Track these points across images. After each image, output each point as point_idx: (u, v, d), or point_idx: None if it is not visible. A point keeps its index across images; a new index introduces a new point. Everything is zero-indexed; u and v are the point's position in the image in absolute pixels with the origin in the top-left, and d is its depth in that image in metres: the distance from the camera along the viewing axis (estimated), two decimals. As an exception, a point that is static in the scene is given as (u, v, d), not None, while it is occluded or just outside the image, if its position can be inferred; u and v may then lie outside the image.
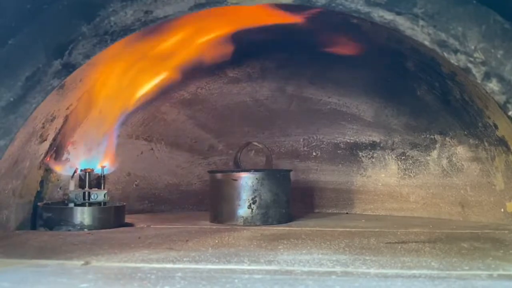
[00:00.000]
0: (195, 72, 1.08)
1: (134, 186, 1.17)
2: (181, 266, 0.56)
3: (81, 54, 0.55)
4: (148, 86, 1.05)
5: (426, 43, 0.52)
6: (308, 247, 0.67)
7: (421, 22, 0.50)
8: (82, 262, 0.58)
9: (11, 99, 0.54)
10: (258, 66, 1.12)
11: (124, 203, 0.96)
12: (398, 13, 0.51)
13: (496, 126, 0.81)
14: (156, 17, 0.54)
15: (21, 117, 0.57)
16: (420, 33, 0.51)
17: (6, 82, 0.54)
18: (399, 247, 0.68)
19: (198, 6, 0.54)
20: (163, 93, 1.11)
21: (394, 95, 1.06)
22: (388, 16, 0.51)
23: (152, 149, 1.19)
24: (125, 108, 1.03)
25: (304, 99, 1.13)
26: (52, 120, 0.88)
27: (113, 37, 0.55)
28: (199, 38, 0.95)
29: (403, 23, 0.51)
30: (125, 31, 0.55)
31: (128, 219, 0.95)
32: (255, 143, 1.06)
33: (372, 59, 0.97)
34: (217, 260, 0.59)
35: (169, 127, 1.18)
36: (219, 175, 0.96)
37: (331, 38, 0.93)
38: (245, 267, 0.56)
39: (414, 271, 0.53)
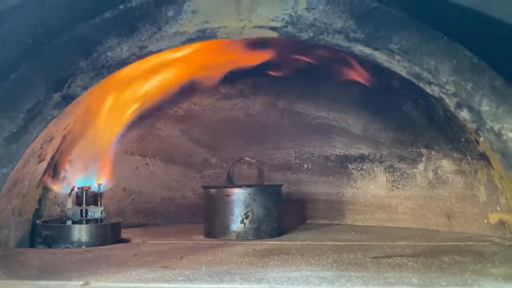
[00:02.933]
0: (188, 90, 1.11)
1: (130, 200, 1.20)
2: (176, 286, 0.59)
3: (79, 87, 0.59)
4: (142, 104, 1.09)
5: (403, 74, 0.56)
6: (297, 263, 0.70)
7: (397, 57, 0.54)
8: (82, 283, 0.61)
9: (14, 130, 0.58)
10: (250, 83, 1.15)
11: (120, 220, 0.98)
12: (376, 49, 0.55)
13: (477, 142, 0.85)
14: (150, 51, 0.58)
15: (23, 146, 0.60)
16: (397, 66, 0.55)
17: (9, 114, 0.57)
18: (384, 261, 0.71)
19: (190, 40, 0.58)
20: (157, 109, 1.14)
21: (382, 110, 1.10)
22: (367, 50, 0.55)
23: (147, 164, 1.21)
24: (121, 125, 1.06)
25: (295, 113, 1.17)
26: (50, 141, 0.91)
27: (109, 70, 0.58)
28: (189, 65, 0.99)
29: (380, 57, 0.55)
30: (121, 64, 0.58)
31: (124, 233, 0.97)
32: (247, 158, 1.10)
33: (359, 75, 1.01)
34: (210, 279, 0.62)
35: (163, 143, 1.21)
36: (212, 191, 0.99)
37: (320, 61, 0.98)
38: (237, 286, 0.59)
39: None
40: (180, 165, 1.25)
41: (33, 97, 0.57)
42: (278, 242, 0.91)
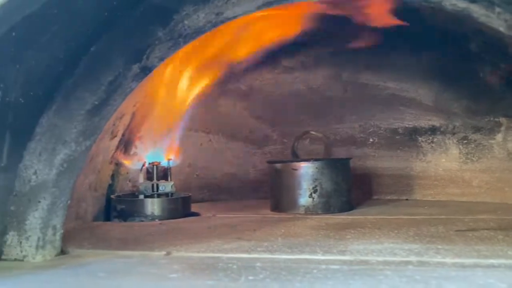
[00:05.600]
0: (250, 64, 1.10)
1: (195, 176, 1.21)
2: (257, 256, 0.59)
3: (157, 58, 0.58)
4: (206, 81, 1.09)
5: (502, 29, 0.50)
6: (377, 236, 0.67)
7: (497, 9, 0.48)
8: (164, 253, 0.61)
9: (96, 102, 0.58)
10: (312, 54, 1.11)
11: (190, 194, 0.99)
12: (473, 1, 0.49)
13: None
14: (226, 18, 0.56)
15: (104, 118, 0.60)
16: (495, 19, 0.50)
17: (91, 87, 0.57)
18: (470, 234, 0.67)
19: (266, 4, 0.55)
20: (220, 87, 1.14)
21: (454, 78, 1.02)
22: (462, 4, 0.50)
23: (210, 140, 1.22)
24: (186, 102, 1.06)
25: (359, 85, 1.12)
26: (121, 118, 0.92)
27: (185, 40, 0.57)
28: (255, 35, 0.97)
29: (477, 11, 0.50)
30: (197, 33, 0.57)
31: (193, 208, 0.98)
32: (313, 132, 1.07)
33: (430, 42, 0.95)
34: (290, 250, 0.61)
35: (226, 119, 1.21)
36: (279, 165, 0.97)
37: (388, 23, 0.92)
38: (320, 257, 0.57)
39: (492, 261, 0.53)
40: (242, 141, 1.25)
41: (114, 70, 0.57)
42: (350, 217, 0.88)
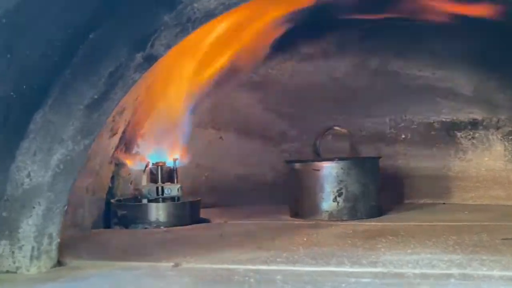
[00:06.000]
0: (264, 51, 1.09)
1: (204, 178, 1.21)
2: (277, 267, 0.58)
3: (162, 45, 0.58)
4: (215, 71, 1.09)
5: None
6: (412, 246, 0.67)
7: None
8: (172, 264, 0.61)
9: (95, 96, 0.58)
10: (335, 39, 1.11)
11: (199, 198, 1.00)
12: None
13: None
14: (240, -1, 0.56)
15: (104, 114, 0.60)
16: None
17: (90, 79, 0.58)
18: (520, 244, 0.66)
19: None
20: (231, 77, 1.14)
21: (498, 65, 1.01)
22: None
23: (221, 137, 1.22)
24: (193, 95, 1.06)
25: (390, 73, 1.12)
26: (121, 113, 0.93)
27: (194, 25, 0.57)
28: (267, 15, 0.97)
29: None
30: (207, 17, 0.57)
31: (202, 213, 0.99)
32: (337, 128, 1.06)
33: (471, 27, 0.94)
34: (314, 262, 0.60)
35: (238, 113, 1.21)
36: (298, 166, 0.97)
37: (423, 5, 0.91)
38: (348, 269, 0.57)
39: (547, 274, 0.52)
40: (256, 138, 1.25)
41: (115, 59, 0.57)
42: (380, 223, 0.88)
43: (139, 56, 0.58)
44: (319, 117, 1.19)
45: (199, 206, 0.98)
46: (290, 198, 1.00)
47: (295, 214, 0.98)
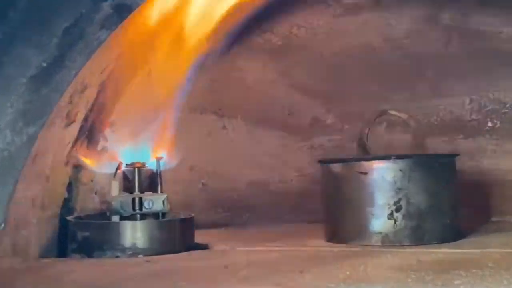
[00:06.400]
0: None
1: (201, 186, 1.21)
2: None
3: (140, -11, 0.57)
4: (215, 28, 1.07)
5: None
6: (505, 283, 0.65)
7: None
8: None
9: (43, 64, 0.57)
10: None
11: (192, 214, 0.98)
12: None
13: None
14: None
15: (56, 91, 0.60)
16: None
17: (37, 39, 0.57)
18: None
19: None
20: (239, 38, 1.14)
21: None
22: None
23: (224, 127, 1.23)
24: (186, 67, 1.05)
25: (471, 33, 1.12)
26: (82, 91, 0.91)
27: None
28: None
29: None
30: None
31: (198, 236, 0.98)
32: (393, 112, 1.05)
33: None
34: (364, 307, 0.59)
35: (249, 92, 1.22)
36: (337, 167, 0.96)
37: None
38: (416, 318, 0.55)
39: None
40: (277, 128, 1.25)
41: (72, 9, 0.56)
42: (458, 250, 0.86)
43: (106, 6, 0.57)
44: (367, 97, 1.19)
45: (193, 226, 0.97)
46: (325, 214, 0.99)
47: (332, 236, 0.97)
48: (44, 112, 0.60)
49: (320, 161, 1.00)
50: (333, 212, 0.97)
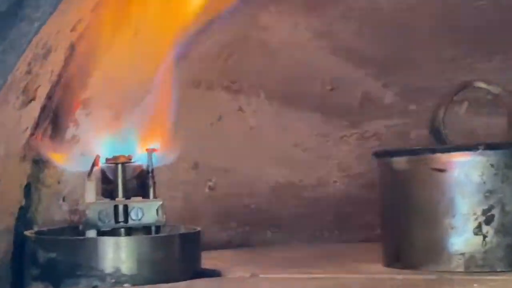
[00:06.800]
0: None
1: (207, 190, 1.22)
2: None
3: None
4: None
5: None
6: None
7: None
8: None
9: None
10: None
11: (198, 229, 0.99)
12: None
13: None
14: None
15: (11, 52, 0.60)
16: None
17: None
18: None
19: None
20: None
21: None
22: None
23: (240, 109, 1.24)
24: (187, 24, 1.06)
25: None
26: (45, 56, 0.92)
27: None
28: None
29: None
30: None
31: (205, 259, 0.98)
32: (480, 85, 1.04)
33: None
34: None
35: (275, 60, 1.22)
36: (402, 162, 0.96)
37: None
38: None
39: None
40: (313, 109, 1.26)
41: None
42: None
43: None
44: (442, 66, 1.20)
45: (199, 243, 0.97)
46: (383, 228, 1.00)
47: (395, 260, 0.97)
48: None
49: (377, 154, 1.00)
50: (396, 226, 0.98)
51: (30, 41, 0.62)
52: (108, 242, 0.91)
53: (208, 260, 0.99)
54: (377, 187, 1.01)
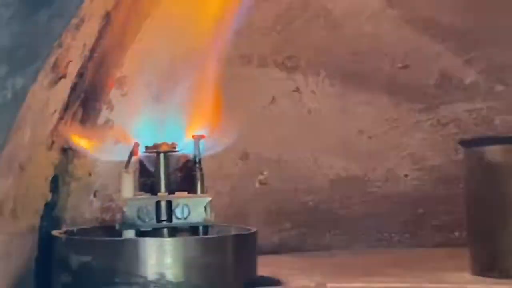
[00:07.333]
0: None
1: (258, 185, 1.22)
2: None
3: None
4: None
5: None
6: None
7: None
8: None
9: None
10: None
11: (254, 229, 0.98)
12: None
13: None
14: None
15: (59, 18, 0.59)
16: None
17: None
18: None
19: None
20: None
21: None
22: None
23: (297, 89, 1.23)
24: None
25: None
26: (77, 27, 0.92)
27: None
28: None
29: None
30: None
31: (262, 265, 0.97)
32: None
33: None
34: None
35: (338, 32, 1.22)
36: (497, 152, 0.95)
37: None
38: None
39: None
40: (381, 90, 1.26)
41: None
42: None
43: None
44: None
45: (255, 247, 0.97)
46: (471, 231, 0.99)
47: (489, 267, 0.96)
48: (39, 55, 0.60)
49: (465, 143, 0.99)
50: (489, 228, 0.97)
51: (76, 8, 0.60)
52: (151, 244, 0.90)
53: (262, 267, 0.98)
54: (463, 182, 1.00)
